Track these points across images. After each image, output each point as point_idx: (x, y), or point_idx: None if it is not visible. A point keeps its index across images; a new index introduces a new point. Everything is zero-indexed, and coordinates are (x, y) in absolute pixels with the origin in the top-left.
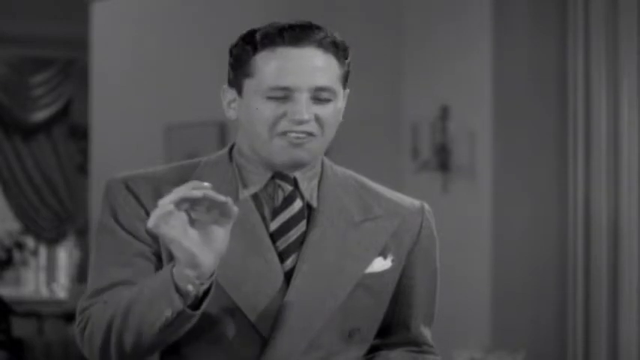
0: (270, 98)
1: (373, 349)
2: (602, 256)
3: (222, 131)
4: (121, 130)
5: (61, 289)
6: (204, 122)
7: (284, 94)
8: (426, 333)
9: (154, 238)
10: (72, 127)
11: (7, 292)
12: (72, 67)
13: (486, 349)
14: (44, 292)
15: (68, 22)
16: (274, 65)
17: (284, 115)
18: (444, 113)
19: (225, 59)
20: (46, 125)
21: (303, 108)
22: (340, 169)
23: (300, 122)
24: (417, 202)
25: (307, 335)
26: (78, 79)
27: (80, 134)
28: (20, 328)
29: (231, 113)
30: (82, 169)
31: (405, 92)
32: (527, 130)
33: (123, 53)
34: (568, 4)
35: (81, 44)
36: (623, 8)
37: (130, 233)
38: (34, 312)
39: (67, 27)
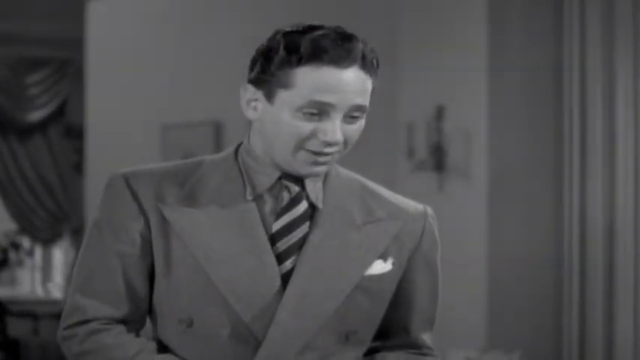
0: (304, 113)
1: (372, 352)
2: (598, 255)
3: (218, 131)
4: (117, 129)
5: (57, 289)
6: (200, 122)
7: (320, 110)
8: (426, 336)
9: (147, 240)
10: (68, 127)
11: (3, 292)
12: (68, 66)
13: (482, 349)
14: (40, 292)
15: (64, 21)
16: (316, 81)
17: (314, 133)
18: (440, 113)
19: (221, 59)
20: (42, 125)
21: (337, 129)
22: (344, 172)
23: (331, 144)
24: (420, 206)
25: (303, 337)
26: (74, 79)
27: (76, 134)
28: (16, 328)
29: (250, 113)
30: (78, 168)
31: (401, 92)
32: (522, 130)
33: (119, 53)
34: (564, 5)
35: (77, 44)
36: (619, 7)
37: (115, 233)
38: (30, 312)
39: (63, 26)
